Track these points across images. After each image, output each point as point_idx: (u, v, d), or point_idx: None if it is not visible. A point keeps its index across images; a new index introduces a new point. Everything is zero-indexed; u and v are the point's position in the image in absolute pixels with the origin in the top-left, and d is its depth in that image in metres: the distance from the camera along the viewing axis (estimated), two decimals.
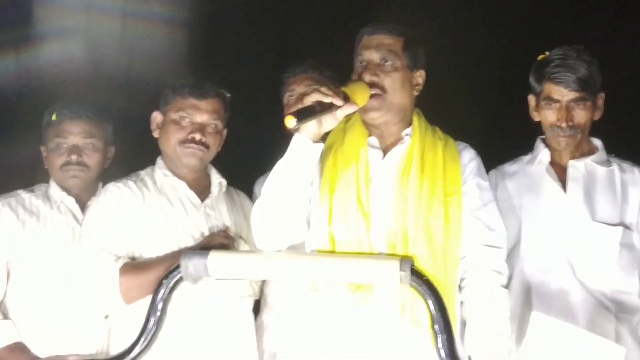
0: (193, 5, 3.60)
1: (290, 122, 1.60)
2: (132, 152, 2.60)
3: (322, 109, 1.69)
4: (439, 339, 1.50)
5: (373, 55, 1.93)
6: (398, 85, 1.94)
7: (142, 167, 2.35)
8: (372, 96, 1.88)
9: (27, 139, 2.71)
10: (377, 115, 1.93)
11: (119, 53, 3.46)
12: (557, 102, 2.21)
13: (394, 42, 1.96)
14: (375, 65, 1.93)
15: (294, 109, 1.67)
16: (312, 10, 3.63)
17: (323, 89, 1.71)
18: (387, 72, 1.93)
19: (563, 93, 2.19)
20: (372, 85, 1.90)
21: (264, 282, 2.42)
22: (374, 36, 1.96)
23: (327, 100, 1.69)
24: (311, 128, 1.74)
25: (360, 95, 1.81)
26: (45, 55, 3.32)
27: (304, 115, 1.65)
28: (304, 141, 1.75)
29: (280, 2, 3.71)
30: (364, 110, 1.88)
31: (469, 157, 2.02)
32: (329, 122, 1.74)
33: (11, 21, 3.26)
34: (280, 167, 1.81)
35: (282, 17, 3.72)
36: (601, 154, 2.30)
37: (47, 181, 2.48)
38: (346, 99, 1.74)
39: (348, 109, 1.74)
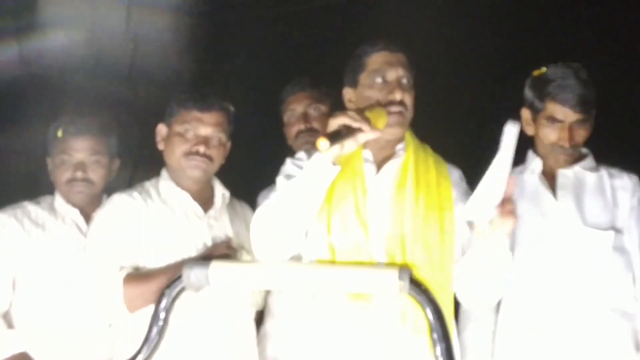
0: None
1: (322, 144, 1.64)
2: (136, 142, 2.60)
3: (348, 132, 1.73)
4: (438, 348, 1.51)
5: (399, 73, 1.97)
6: (412, 103, 2.00)
7: (147, 155, 2.35)
8: (395, 113, 1.93)
9: (30, 127, 2.71)
10: (398, 132, 1.97)
11: (123, 42, 3.46)
12: (561, 122, 2.22)
13: (407, 60, 2.01)
14: (397, 83, 1.97)
15: (325, 132, 1.71)
16: (312, 21, 3.66)
17: (351, 114, 1.74)
18: (406, 89, 1.98)
19: (568, 114, 2.21)
20: (399, 103, 1.95)
21: (267, 292, 2.43)
22: (395, 54, 1.99)
23: (355, 125, 1.73)
24: (334, 150, 1.75)
25: (381, 120, 1.85)
26: (48, 44, 3.31)
27: (333, 138, 1.69)
28: (325, 162, 1.76)
29: (279, 13, 3.73)
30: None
31: (459, 176, 2.08)
32: (350, 145, 1.76)
33: (14, 9, 3.25)
34: (297, 185, 1.81)
35: (282, 27, 3.74)
36: (589, 160, 2.33)
37: (50, 183, 2.51)
38: (370, 124, 1.77)
39: (371, 135, 1.77)
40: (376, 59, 2.00)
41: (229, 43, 3.76)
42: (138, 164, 2.35)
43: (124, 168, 2.48)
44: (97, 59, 3.39)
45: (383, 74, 1.97)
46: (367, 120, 1.76)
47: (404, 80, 1.98)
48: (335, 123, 1.73)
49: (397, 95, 1.95)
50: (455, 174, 2.07)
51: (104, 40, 3.42)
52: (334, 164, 1.77)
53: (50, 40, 3.32)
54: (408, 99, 1.97)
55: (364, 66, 2.01)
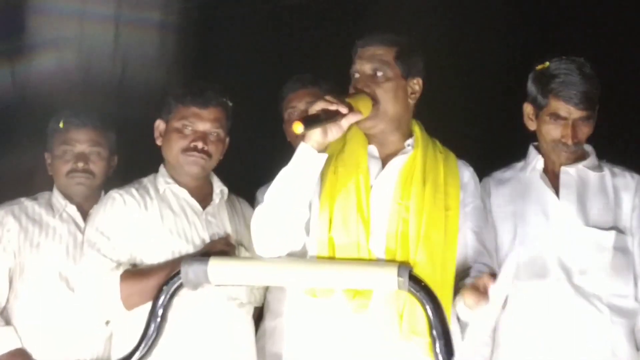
0: (186, 12, 3.62)
1: (298, 127, 1.65)
2: (126, 159, 2.61)
3: (327, 117, 1.74)
4: (437, 345, 1.51)
5: (365, 67, 1.96)
6: (391, 95, 1.95)
7: (136, 174, 2.36)
8: None
9: (23, 148, 2.73)
10: (370, 124, 1.94)
11: (112, 61, 3.48)
12: (564, 119, 2.20)
13: (386, 52, 1.98)
14: (367, 77, 1.95)
15: (302, 116, 1.71)
16: (310, 15, 3.65)
17: (328, 98, 1.76)
18: (379, 82, 1.95)
19: (571, 111, 2.18)
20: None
21: (266, 288, 2.43)
22: (366, 48, 1.99)
23: (332, 108, 1.74)
24: (316, 137, 1.76)
25: (364, 105, 1.85)
26: (39, 65, 3.34)
27: (310, 122, 1.71)
28: (308, 150, 1.78)
29: (276, 8, 3.72)
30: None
31: (468, 176, 2.06)
32: (334, 131, 1.78)
33: (5, 31, 3.28)
34: (284, 175, 1.82)
35: (279, 23, 3.73)
36: (592, 159, 2.31)
37: (45, 189, 2.50)
38: (350, 108, 1.78)
39: (352, 118, 1.79)
40: (358, 53, 2.01)
41: (228, 42, 3.76)
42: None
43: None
44: (87, 78, 3.41)
45: (354, 68, 1.98)
46: (345, 103, 1.76)
47: (378, 73, 1.95)
48: (314, 108, 1.74)
49: (357, 88, 1.93)
50: (465, 172, 2.05)
51: (93, 60, 3.43)
52: (320, 151, 1.77)
53: (41, 61, 3.36)
54: (379, 92, 1.93)
55: (353, 60, 2.02)
